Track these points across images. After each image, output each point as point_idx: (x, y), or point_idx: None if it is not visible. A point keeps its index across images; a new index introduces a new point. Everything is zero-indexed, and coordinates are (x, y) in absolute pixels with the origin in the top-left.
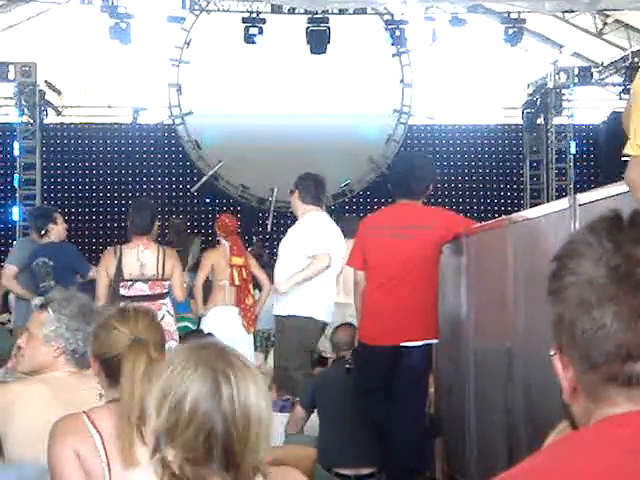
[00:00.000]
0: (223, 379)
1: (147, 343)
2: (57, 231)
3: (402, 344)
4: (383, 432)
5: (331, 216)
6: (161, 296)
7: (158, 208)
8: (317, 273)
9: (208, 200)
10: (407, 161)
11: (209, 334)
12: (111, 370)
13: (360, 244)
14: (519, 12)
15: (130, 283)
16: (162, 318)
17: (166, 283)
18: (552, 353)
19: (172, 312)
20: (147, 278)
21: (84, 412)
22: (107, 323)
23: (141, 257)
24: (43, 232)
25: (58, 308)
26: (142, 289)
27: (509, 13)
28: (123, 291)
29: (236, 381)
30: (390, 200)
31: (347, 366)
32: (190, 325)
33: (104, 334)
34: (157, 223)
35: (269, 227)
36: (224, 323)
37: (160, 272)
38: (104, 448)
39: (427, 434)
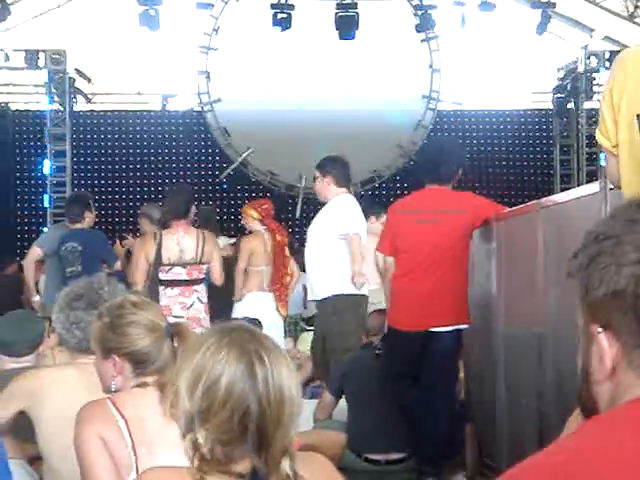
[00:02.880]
0: (257, 360)
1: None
2: (90, 218)
3: (431, 329)
4: (413, 417)
5: (360, 202)
6: (196, 282)
7: (194, 194)
8: (361, 250)
9: (225, 186)
10: (436, 146)
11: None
12: (141, 362)
13: (389, 229)
14: None
15: (168, 267)
16: (191, 305)
17: (204, 267)
18: (599, 330)
19: (204, 299)
20: (185, 262)
21: (109, 398)
22: (128, 318)
23: (181, 242)
24: (80, 218)
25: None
26: (179, 273)
27: None
28: (161, 275)
29: (270, 362)
30: (419, 187)
31: (377, 352)
32: None
33: (130, 330)
34: (193, 207)
35: (298, 213)
36: (261, 308)
37: (199, 256)
38: (129, 433)
39: (457, 419)
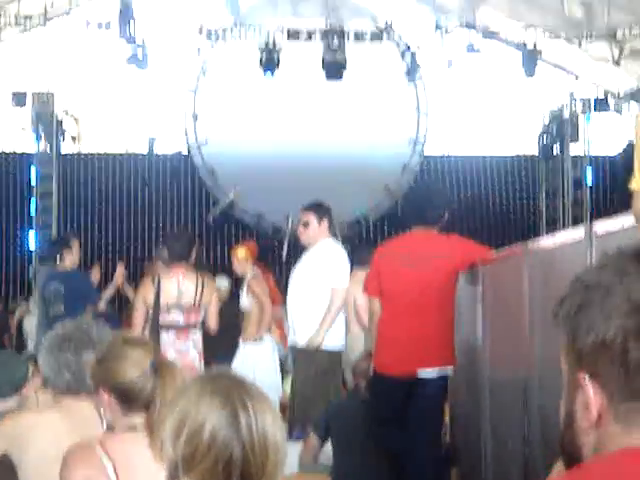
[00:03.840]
0: (240, 407)
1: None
2: (71, 258)
3: (418, 373)
4: (398, 462)
5: (345, 244)
6: (193, 326)
7: (194, 237)
8: (339, 312)
9: (213, 228)
10: (423, 189)
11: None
12: (127, 397)
13: (376, 272)
14: (535, 42)
15: (167, 311)
16: (186, 351)
17: (202, 312)
18: (584, 378)
19: (199, 346)
20: (184, 306)
21: (98, 440)
22: (116, 353)
23: (181, 285)
24: (58, 257)
25: (40, 355)
26: (177, 319)
27: (525, 43)
28: (159, 318)
29: (253, 409)
30: (405, 229)
31: (362, 399)
32: None
33: (116, 364)
34: (194, 251)
35: (284, 255)
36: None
37: (197, 300)
38: (117, 477)
39: (443, 464)
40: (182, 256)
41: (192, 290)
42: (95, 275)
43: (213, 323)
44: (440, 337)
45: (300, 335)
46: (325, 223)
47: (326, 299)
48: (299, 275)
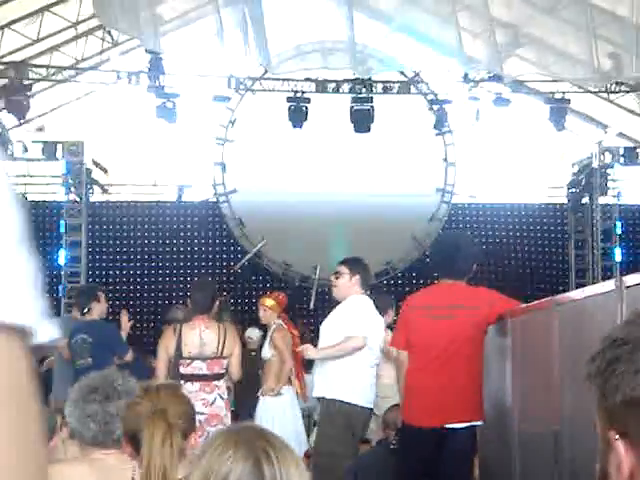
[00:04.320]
0: (264, 459)
1: (165, 410)
2: (99, 309)
3: (447, 425)
4: None
5: (371, 294)
6: (217, 377)
7: (223, 285)
8: (346, 352)
9: (240, 277)
10: (452, 241)
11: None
12: (139, 446)
13: (404, 324)
14: (563, 92)
15: (189, 361)
16: (213, 401)
17: (224, 362)
18: (616, 437)
19: (225, 396)
20: (206, 357)
21: None
22: (132, 401)
23: (203, 336)
24: (86, 310)
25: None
26: (200, 367)
27: (553, 93)
28: (181, 369)
29: (277, 461)
30: (433, 279)
31: (392, 446)
32: None
33: (129, 412)
34: (218, 301)
35: (312, 304)
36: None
37: (220, 350)
38: None
39: None
40: (205, 307)
41: (215, 340)
42: (124, 320)
43: (236, 373)
44: (469, 389)
45: (322, 388)
46: (357, 278)
47: (353, 358)
48: (327, 328)
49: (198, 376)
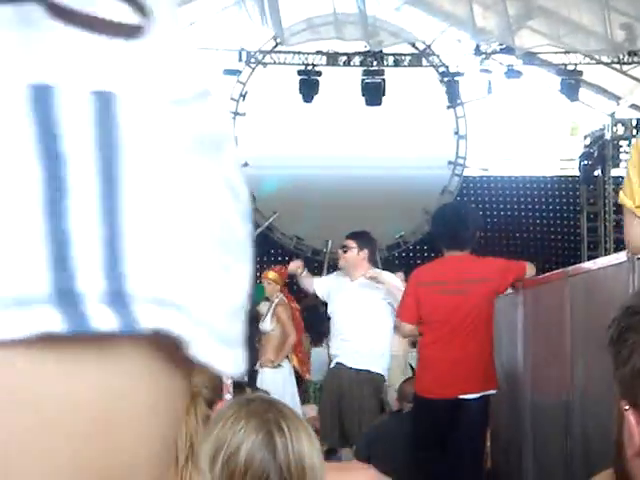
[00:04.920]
0: (276, 429)
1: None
2: None
3: (461, 396)
4: None
5: (384, 267)
6: None
7: None
8: (396, 286)
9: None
10: (454, 212)
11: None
12: None
13: (413, 299)
14: (575, 64)
15: None
16: None
17: None
18: (626, 408)
19: None
20: None
21: None
22: None
23: None
24: None
25: None
26: None
27: (565, 65)
28: None
29: (289, 431)
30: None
31: (405, 422)
32: None
33: None
34: None
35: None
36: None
37: None
38: None
39: None
40: None
41: None
42: None
43: None
44: (482, 359)
45: (352, 358)
46: (365, 252)
47: (380, 323)
48: (354, 299)
49: None
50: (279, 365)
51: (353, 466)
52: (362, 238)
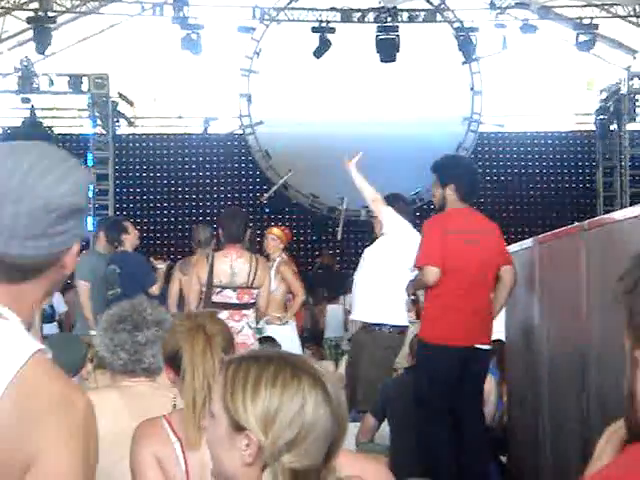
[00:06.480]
0: (327, 383)
1: (204, 325)
2: (130, 240)
3: (477, 345)
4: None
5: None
6: (246, 306)
7: (250, 216)
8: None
9: (267, 209)
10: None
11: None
12: (179, 367)
13: (440, 245)
14: (591, 17)
15: (219, 290)
16: (241, 330)
17: (254, 292)
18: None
19: (253, 325)
20: (236, 286)
21: (164, 417)
22: (171, 329)
23: (234, 265)
24: (117, 244)
25: (96, 336)
26: (230, 296)
27: (581, 19)
28: (212, 297)
29: (331, 383)
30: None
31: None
32: None
33: (169, 337)
34: (249, 231)
35: (339, 236)
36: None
37: (251, 280)
38: (184, 456)
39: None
40: (236, 236)
41: (245, 270)
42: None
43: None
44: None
45: (368, 313)
46: (394, 208)
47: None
48: (375, 254)
49: (227, 304)
50: (287, 322)
51: (366, 456)
52: (391, 199)
